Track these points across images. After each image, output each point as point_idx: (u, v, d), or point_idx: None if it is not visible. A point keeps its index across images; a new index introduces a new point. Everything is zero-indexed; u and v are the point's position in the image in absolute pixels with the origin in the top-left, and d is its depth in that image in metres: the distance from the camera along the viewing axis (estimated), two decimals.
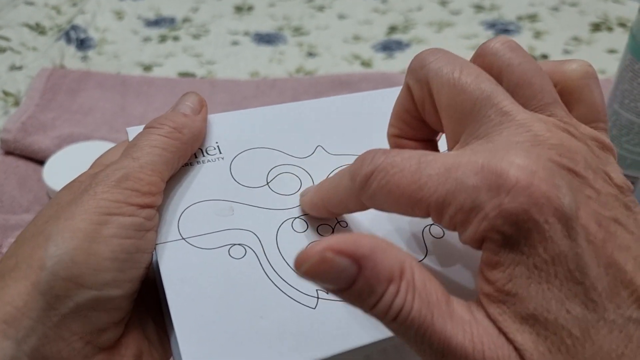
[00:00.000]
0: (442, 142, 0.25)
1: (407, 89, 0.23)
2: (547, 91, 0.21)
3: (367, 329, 0.22)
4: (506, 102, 0.19)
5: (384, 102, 0.31)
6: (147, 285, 0.26)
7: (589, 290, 0.17)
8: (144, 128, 0.26)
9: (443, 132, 0.23)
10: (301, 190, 0.27)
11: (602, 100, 0.22)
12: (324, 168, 0.28)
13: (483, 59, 0.22)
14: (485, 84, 0.20)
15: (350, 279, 0.16)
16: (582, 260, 0.17)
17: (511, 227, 0.17)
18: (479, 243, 0.18)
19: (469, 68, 0.21)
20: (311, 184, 0.28)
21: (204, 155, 0.28)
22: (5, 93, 0.54)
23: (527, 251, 0.17)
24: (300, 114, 0.31)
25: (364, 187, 0.19)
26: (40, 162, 0.46)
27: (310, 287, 0.24)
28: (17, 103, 0.53)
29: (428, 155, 0.18)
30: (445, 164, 0.18)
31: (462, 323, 0.17)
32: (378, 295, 0.16)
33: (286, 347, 0.22)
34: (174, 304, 0.22)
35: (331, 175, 0.23)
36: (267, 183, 0.27)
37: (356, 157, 0.31)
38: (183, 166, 0.27)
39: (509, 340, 0.17)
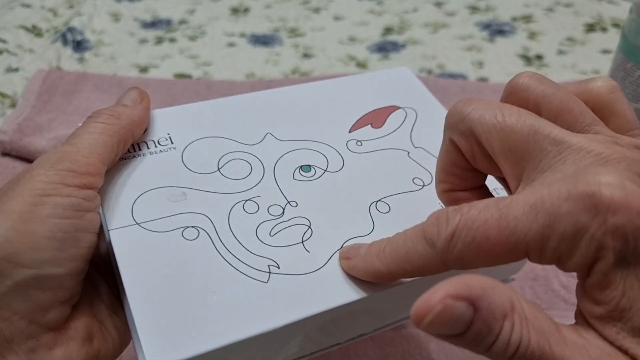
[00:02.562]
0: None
1: (452, 144, 0.23)
2: (587, 112, 0.21)
3: (318, 299, 0.23)
4: (556, 131, 0.20)
5: (328, 91, 0.34)
6: (100, 270, 0.26)
7: None
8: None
9: (496, 175, 0.23)
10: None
11: (632, 110, 0.23)
12: (273, 153, 0.29)
13: (516, 96, 0.22)
14: (530, 119, 0.20)
15: (467, 323, 0.16)
16: None
17: (621, 241, 0.17)
18: (588, 268, 0.17)
19: (509, 109, 0.21)
20: (261, 168, 0.28)
21: (156, 146, 0.29)
22: (2, 95, 0.54)
23: (633, 261, 0.17)
24: (249, 104, 0.32)
25: (447, 251, 0.19)
26: None
27: (262, 262, 0.24)
28: (13, 105, 0.53)
29: (502, 200, 0.18)
30: (528, 201, 0.18)
31: (578, 347, 0.17)
32: (495, 334, 0.16)
33: (239, 319, 0.22)
34: (129, 285, 0.23)
35: (386, 241, 0.22)
36: (219, 169, 0.28)
37: (304, 141, 0.32)
38: (135, 157, 0.28)
39: (631, 356, 0.17)
